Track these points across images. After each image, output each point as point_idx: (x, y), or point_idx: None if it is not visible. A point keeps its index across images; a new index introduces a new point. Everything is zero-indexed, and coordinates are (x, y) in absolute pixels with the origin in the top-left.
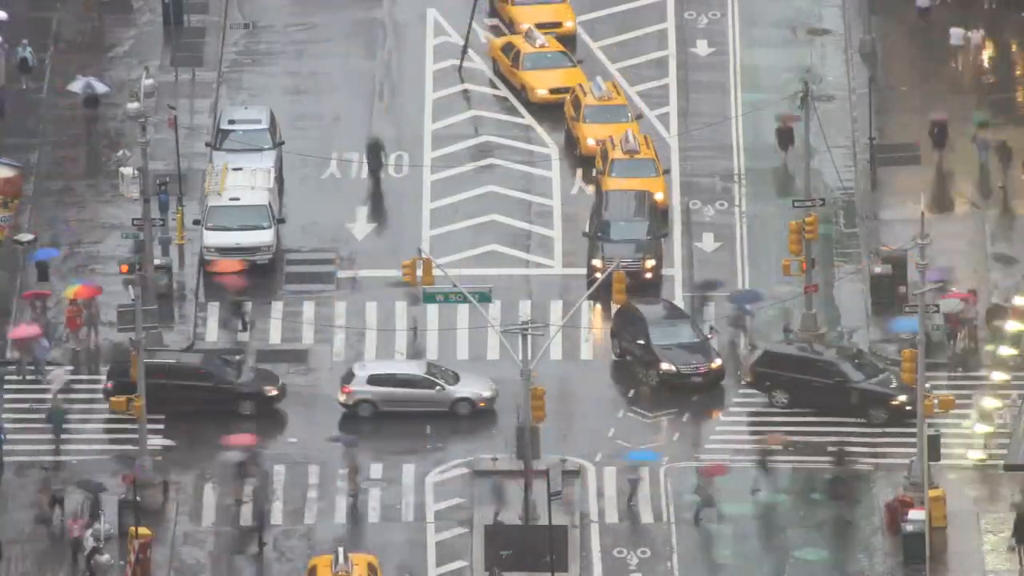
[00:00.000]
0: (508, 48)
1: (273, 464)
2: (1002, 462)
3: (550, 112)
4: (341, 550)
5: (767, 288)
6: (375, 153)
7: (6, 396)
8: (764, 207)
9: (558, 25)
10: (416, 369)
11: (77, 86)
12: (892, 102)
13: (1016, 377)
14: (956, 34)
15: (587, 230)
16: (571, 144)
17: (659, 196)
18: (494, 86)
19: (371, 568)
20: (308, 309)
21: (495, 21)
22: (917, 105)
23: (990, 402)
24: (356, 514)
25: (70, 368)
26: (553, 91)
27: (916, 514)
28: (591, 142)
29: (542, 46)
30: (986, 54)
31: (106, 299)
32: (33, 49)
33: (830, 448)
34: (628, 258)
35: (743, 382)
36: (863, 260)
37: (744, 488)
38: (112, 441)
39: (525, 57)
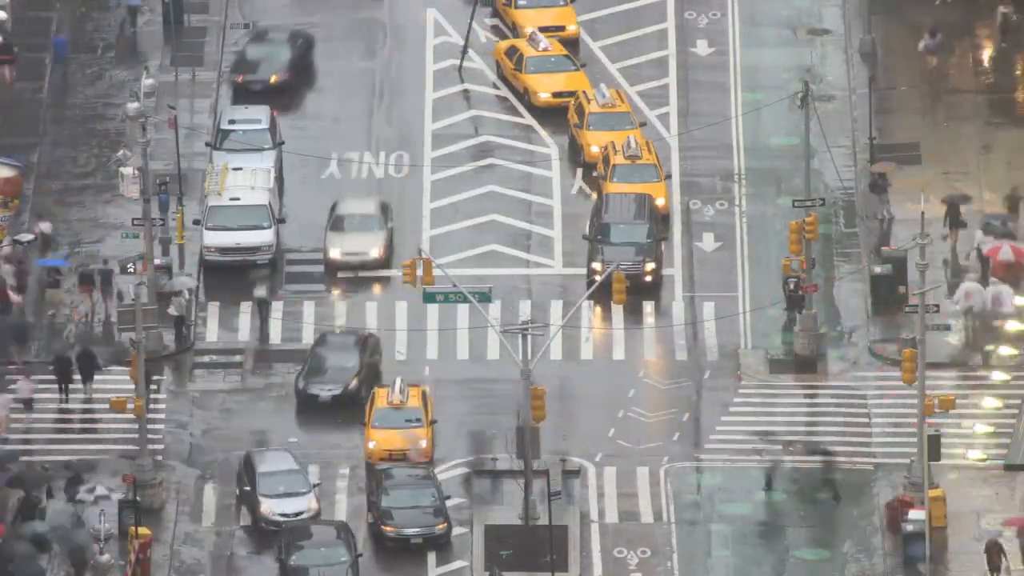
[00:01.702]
0: (511, 52)
1: None
2: (1002, 462)
3: (551, 113)
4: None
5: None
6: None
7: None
8: (764, 207)
9: (561, 29)
10: None
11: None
12: (892, 102)
13: (1016, 377)
14: None
15: (587, 232)
16: (575, 151)
17: (660, 201)
18: (494, 86)
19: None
20: (308, 309)
21: (496, 21)
22: (917, 105)
23: (990, 402)
24: None
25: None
26: (556, 95)
27: (916, 514)
28: (595, 149)
29: (545, 50)
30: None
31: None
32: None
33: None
34: (628, 261)
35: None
36: (863, 260)
37: (744, 488)
38: (113, 441)
39: (528, 61)
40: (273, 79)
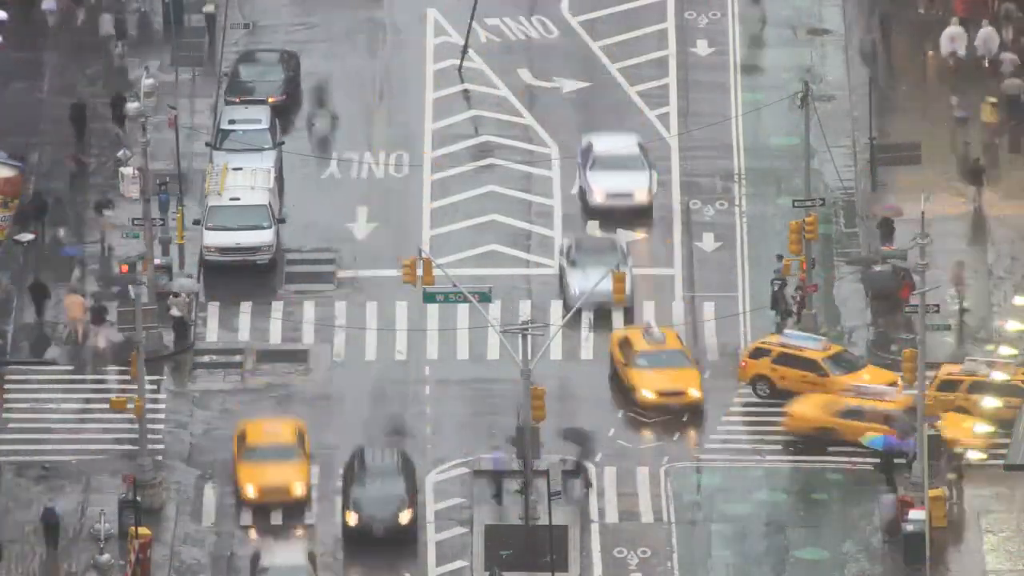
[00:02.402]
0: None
1: None
2: (1002, 462)
3: (551, 113)
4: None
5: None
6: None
7: (7, 396)
8: (764, 207)
9: (681, 394)
10: None
11: None
12: (892, 102)
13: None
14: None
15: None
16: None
17: (695, 393)
18: (494, 86)
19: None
20: (308, 309)
21: (496, 20)
22: (917, 105)
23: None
24: None
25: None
26: (661, 394)
27: (916, 514)
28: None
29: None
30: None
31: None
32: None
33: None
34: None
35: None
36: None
37: (744, 488)
38: (113, 441)
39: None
40: (271, 100)
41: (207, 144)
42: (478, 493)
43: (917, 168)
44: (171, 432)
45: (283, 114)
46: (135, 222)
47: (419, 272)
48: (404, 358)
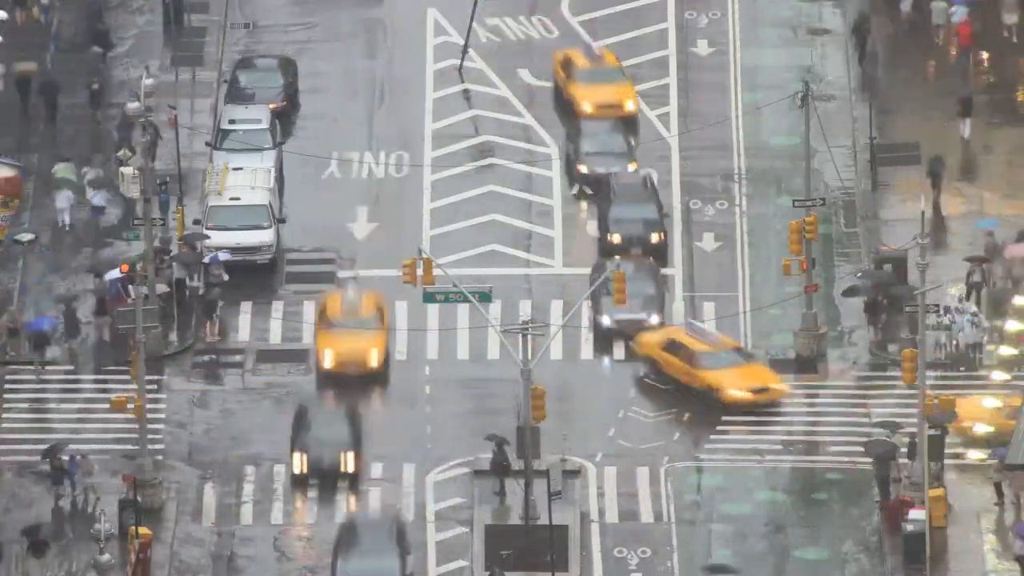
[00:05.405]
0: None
1: (273, 464)
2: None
3: (551, 113)
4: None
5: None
6: None
7: (6, 396)
8: (764, 207)
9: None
10: None
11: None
12: (892, 102)
13: (1017, 377)
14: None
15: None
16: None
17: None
18: (494, 86)
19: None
20: (308, 309)
21: (497, 20)
22: (917, 106)
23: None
24: None
25: None
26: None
27: (916, 514)
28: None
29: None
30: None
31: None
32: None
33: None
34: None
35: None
36: (864, 260)
37: (744, 488)
38: (112, 440)
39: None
40: (270, 107)
41: (207, 144)
42: (478, 493)
43: (917, 168)
44: (171, 432)
45: (283, 116)
46: (135, 222)
47: (419, 272)
48: (404, 358)
